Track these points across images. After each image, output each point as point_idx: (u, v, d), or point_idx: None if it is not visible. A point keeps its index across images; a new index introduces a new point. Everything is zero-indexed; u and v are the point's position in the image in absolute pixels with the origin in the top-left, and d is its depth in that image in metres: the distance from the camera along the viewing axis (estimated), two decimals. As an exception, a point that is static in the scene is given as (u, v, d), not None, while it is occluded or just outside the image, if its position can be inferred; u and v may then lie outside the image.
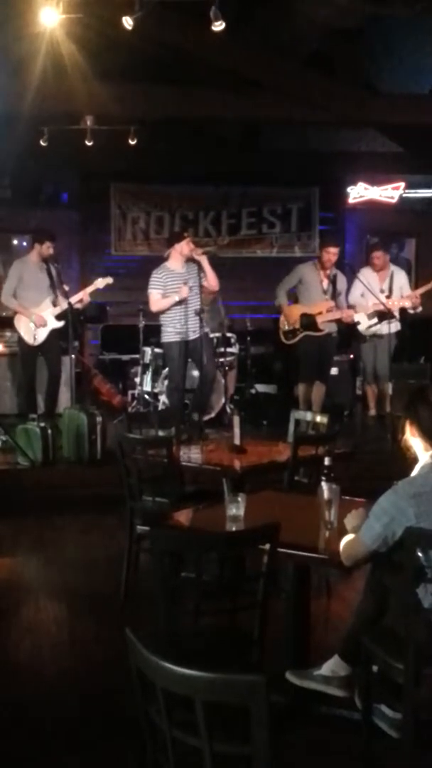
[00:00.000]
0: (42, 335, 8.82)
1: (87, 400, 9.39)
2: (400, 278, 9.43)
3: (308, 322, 8.80)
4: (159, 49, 8.07)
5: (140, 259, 11.62)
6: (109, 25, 6.39)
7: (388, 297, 9.05)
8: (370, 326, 9.20)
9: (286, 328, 9.03)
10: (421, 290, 9.09)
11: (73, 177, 11.66)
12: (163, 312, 7.92)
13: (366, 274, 9.30)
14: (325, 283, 8.85)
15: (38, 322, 8.74)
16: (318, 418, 5.94)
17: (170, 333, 7.97)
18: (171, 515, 4.09)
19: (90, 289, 8.86)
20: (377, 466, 7.21)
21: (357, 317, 9.12)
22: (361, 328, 9.26)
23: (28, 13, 6.05)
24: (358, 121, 9.70)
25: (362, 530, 3.22)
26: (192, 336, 7.95)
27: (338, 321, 8.93)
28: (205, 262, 7.92)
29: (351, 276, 9.20)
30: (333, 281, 8.86)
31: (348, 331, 9.41)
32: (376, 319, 9.03)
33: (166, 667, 1.95)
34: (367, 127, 10.52)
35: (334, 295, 8.87)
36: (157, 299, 7.89)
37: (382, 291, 9.09)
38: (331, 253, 8.79)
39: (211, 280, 7.97)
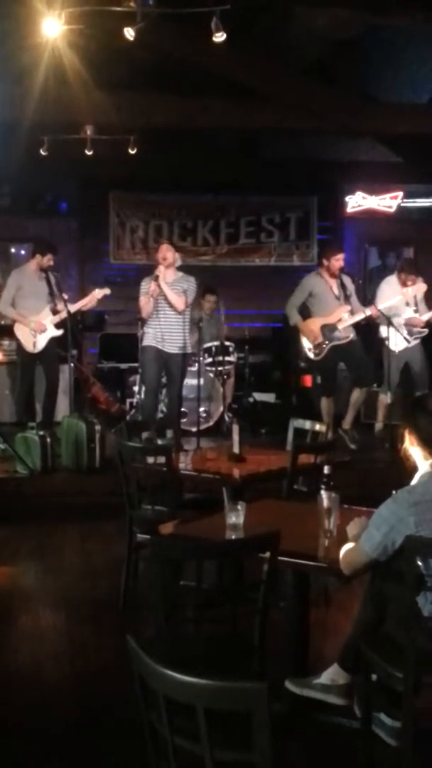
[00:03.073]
0: (41, 342, 8.83)
1: (85, 409, 9.40)
2: (420, 288, 9.25)
3: (331, 332, 8.59)
4: (159, 59, 8.10)
5: (139, 268, 11.63)
6: (111, 36, 6.41)
7: (416, 311, 8.99)
8: (406, 346, 9.01)
9: (311, 344, 8.73)
10: None
11: (73, 186, 11.68)
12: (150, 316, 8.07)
13: (392, 287, 9.12)
14: (336, 288, 8.71)
15: (37, 328, 8.75)
16: (317, 427, 5.95)
17: (147, 337, 8.13)
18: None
19: (87, 300, 8.91)
20: (377, 474, 7.23)
21: (391, 339, 8.84)
22: (395, 348, 8.92)
23: (30, 24, 6.07)
24: (356, 130, 9.73)
25: (362, 539, 3.23)
26: (168, 349, 8.04)
27: (364, 321, 8.71)
28: (164, 286, 7.90)
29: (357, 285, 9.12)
30: (341, 285, 8.77)
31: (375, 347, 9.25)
32: (408, 335, 8.91)
33: (168, 675, 1.96)
34: (366, 136, 10.55)
35: (347, 298, 8.74)
36: (142, 305, 8.07)
37: (407, 304, 9.02)
38: (341, 260, 8.68)
39: (174, 303, 7.96)
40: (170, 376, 8.20)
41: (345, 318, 8.60)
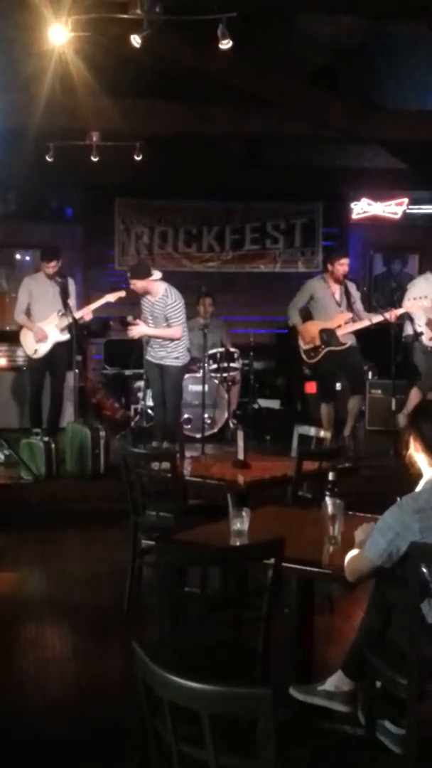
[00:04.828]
0: (43, 349, 8.82)
1: (90, 415, 9.40)
2: None
3: (328, 337, 8.59)
4: (165, 66, 8.12)
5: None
6: (117, 43, 6.44)
7: None
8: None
9: (307, 346, 8.77)
10: None
11: (78, 192, 11.70)
12: None
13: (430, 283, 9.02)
14: (338, 295, 8.69)
15: (38, 335, 8.75)
16: (322, 433, 5.94)
17: (145, 351, 8.14)
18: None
19: (101, 302, 8.85)
20: (381, 481, 7.23)
21: (419, 326, 8.81)
22: (429, 343, 8.85)
23: (36, 31, 6.09)
24: (362, 137, 9.74)
25: (366, 546, 3.23)
26: (162, 362, 8.01)
27: (386, 323, 8.56)
28: (149, 331, 7.90)
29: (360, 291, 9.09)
30: (345, 291, 8.75)
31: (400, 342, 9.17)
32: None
33: (173, 680, 1.96)
34: (371, 143, 10.57)
35: (350, 306, 8.72)
36: None
37: None
38: (345, 264, 8.64)
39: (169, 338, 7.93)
40: (165, 388, 8.11)
41: (344, 325, 8.60)
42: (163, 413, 8.19)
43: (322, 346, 8.64)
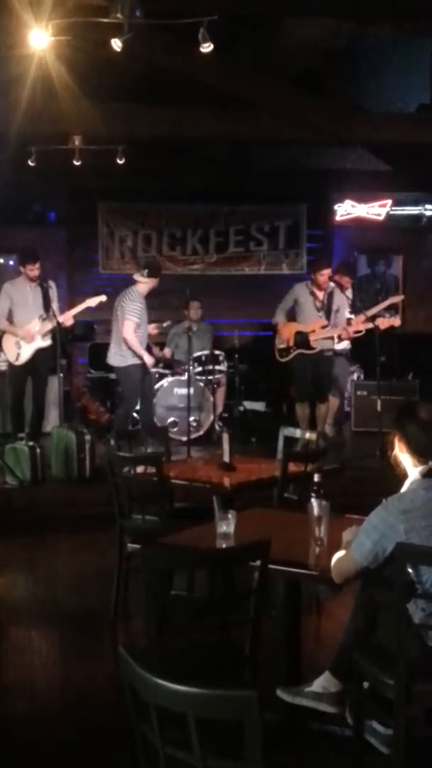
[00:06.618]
0: (25, 354, 8.66)
1: (75, 419, 9.38)
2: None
3: (302, 340, 8.82)
4: (148, 70, 8.12)
5: (128, 278, 11.53)
6: (99, 47, 6.43)
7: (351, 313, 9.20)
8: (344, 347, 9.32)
9: (281, 346, 9.04)
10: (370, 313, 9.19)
11: (61, 196, 11.67)
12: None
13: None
14: (320, 302, 8.85)
15: (26, 335, 8.59)
16: (307, 435, 5.96)
17: (132, 356, 8.35)
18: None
19: (82, 306, 8.82)
20: (367, 482, 7.24)
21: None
22: (339, 347, 9.22)
23: (17, 35, 6.09)
24: (345, 139, 9.77)
25: (352, 547, 3.23)
26: (146, 360, 8.41)
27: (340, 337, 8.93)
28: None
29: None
30: (329, 299, 8.86)
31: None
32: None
33: (159, 684, 1.96)
34: (354, 145, 10.60)
35: (329, 313, 8.86)
36: (133, 329, 8.35)
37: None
38: (325, 275, 8.80)
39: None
40: (145, 386, 8.42)
41: (318, 330, 8.75)
42: (143, 413, 8.40)
43: (294, 347, 8.91)
